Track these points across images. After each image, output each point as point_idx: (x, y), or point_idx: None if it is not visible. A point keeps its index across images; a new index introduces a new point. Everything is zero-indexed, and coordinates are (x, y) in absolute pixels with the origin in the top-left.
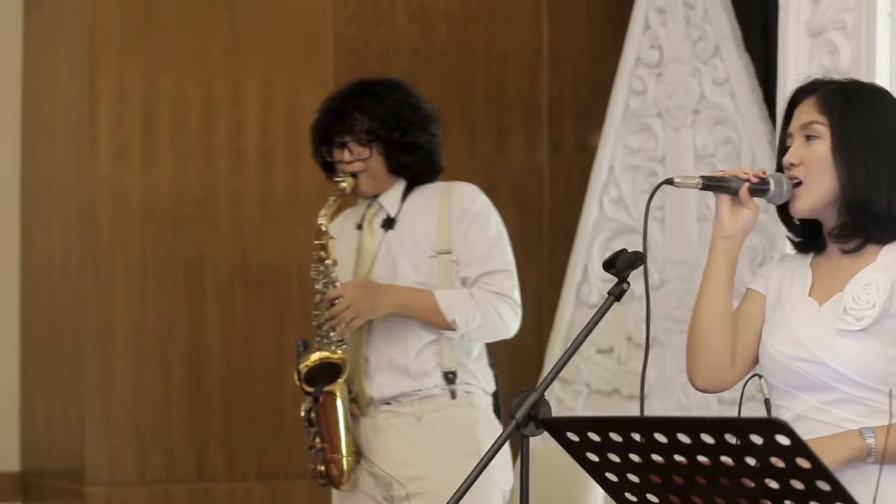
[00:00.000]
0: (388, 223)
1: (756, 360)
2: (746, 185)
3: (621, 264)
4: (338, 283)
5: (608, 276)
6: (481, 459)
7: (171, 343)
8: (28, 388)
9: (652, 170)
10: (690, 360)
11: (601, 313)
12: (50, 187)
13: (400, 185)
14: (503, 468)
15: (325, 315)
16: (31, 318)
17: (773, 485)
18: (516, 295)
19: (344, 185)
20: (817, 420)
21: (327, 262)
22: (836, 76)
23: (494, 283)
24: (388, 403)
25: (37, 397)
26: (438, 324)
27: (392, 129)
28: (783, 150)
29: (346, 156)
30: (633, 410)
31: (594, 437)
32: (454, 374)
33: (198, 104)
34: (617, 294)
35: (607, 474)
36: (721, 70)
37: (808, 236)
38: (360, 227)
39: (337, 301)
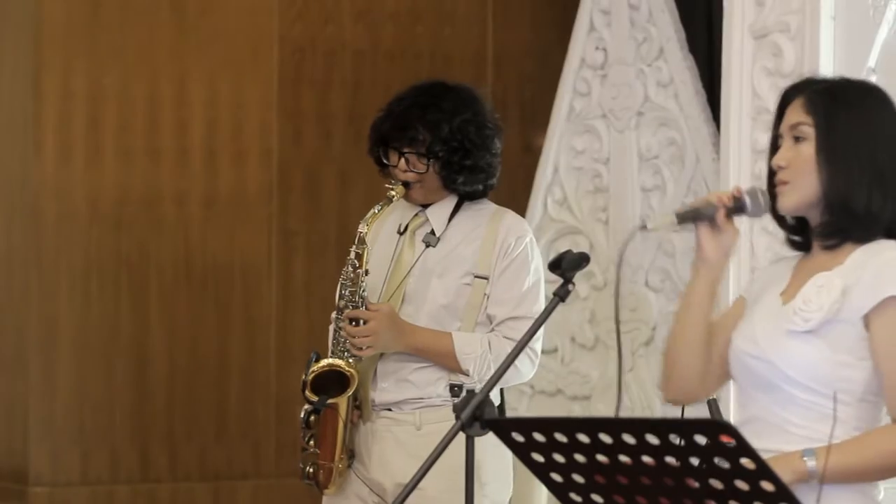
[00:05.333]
0: (431, 240)
1: (728, 374)
2: (722, 209)
3: (567, 265)
4: (365, 293)
5: (552, 276)
6: (424, 462)
7: (114, 343)
8: None
9: (596, 171)
10: (664, 376)
11: (546, 314)
12: None
13: (451, 201)
14: (499, 481)
15: (346, 330)
16: None
17: (718, 485)
18: (538, 346)
19: (393, 193)
20: (765, 420)
21: (359, 270)
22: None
23: (519, 330)
24: (389, 409)
25: None
26: (452, 369)
27: (454, 152)
28: (775, 149)
29: (403, 164)
30: (576, 411)
31: (539, 437)
32: (460, 387)
33: (143, 103)
34: (562, 295)
35: (552, 474)
36: (665, 72)
37: (803, 234)
38: (401, 232)
39: (361, 321)
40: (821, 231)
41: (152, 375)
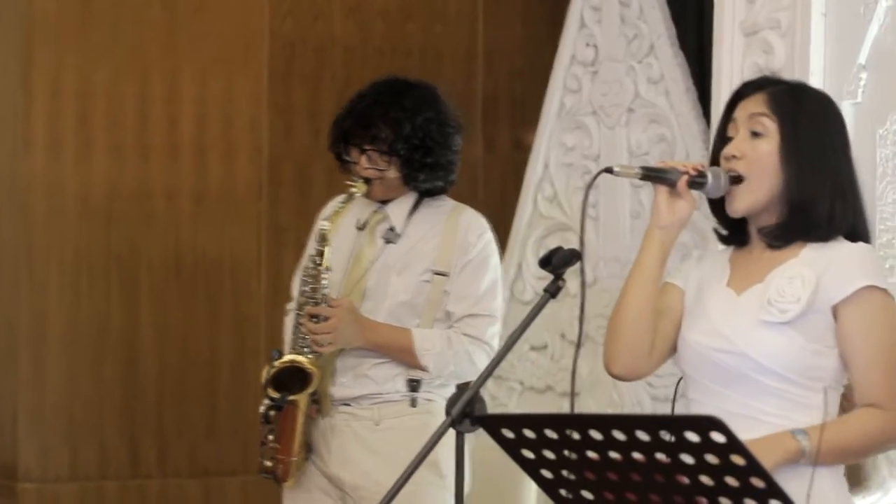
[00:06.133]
0: (391, 236)
1: (673, 351)
2: (685, 177)
3: (557, 262)
4: (326, 290)
5: (542, 273)
6: (418, 454)
7: (104, 339)
8: None
9: (586, 168)
10: (610, 346)
11: (537, 310)
12: None
13: (410, 198)
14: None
15: (307, 326)
16: None
17: (708, 481)
18: (495, 342)
19: (355, 190)
20: (736, 414)
21: (320, 267)
22: (780, 75)
23: (478, 327)
24: (348, 405)
25: None
26: (411, 365)
27: (415, 150)
28: (721, 141)
29: (364, 161)
30: (566, 408)
31: (529, 433)
32: (418, 382)
33: (133, 99)
34: (553, 291)
35: (542, 471)
36: (656, 68)
37: (734, 230)
38: (360, 228)
39: (322, 317)
40: (774, 231)
41: (142, 371)
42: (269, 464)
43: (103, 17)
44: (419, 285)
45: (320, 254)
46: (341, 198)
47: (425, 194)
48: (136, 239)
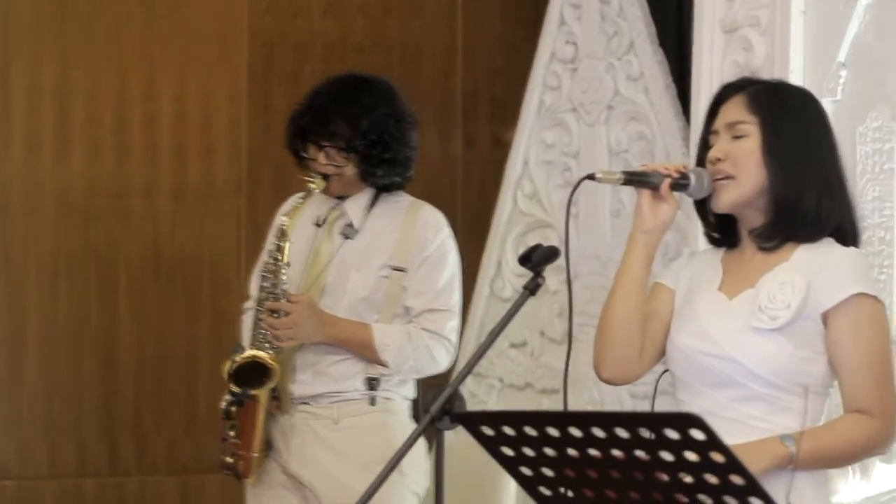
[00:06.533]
0: (349, 232)
1: (662, 354)
2: (668, 180)
3: (537, 259)
4: (285, 286)
5: (522, 270)
6: (395, 454)
7: (83, 336)
8: None
9: (566, 165)
10: (599, 351)
11: (516, 307)
12: None
13: (368, 193)
14: (418, 470)
15: (267, 321)
16: None
17: (688, 479)
18: (454, 337)
19: (314, 186)
20: (724, 417)
21: (280, 262)
22: (758, 73)
23: (436, 321)
24: (307, 403)
25: None
26: (371, 359)
27: (373, 145)
28: (705, 146)
29: (322, 158)
30: (545, 405)
31: (509, 431)
32: (377, 380)
33: (111, 97)
34: (532, 288)
35: (522, 468)
36: (635, 66)
37: (723, 231)
38: (318, 224)
39: (282, 312)
40: (763, 232)
41: (121, 369)
42: (230, 460)
43: (81, 15)
44: (377, 281)
45: (280, 249)
46: (300, 194)
47: (382, 190)
48: (114, 236)
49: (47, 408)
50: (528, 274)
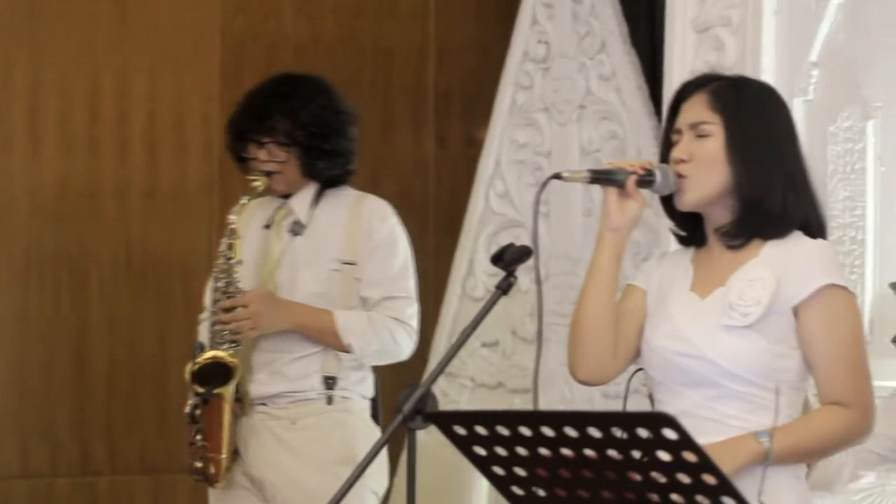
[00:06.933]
0: (297, 229)
1: (637, 354)
2: (633, 177)
3: (509, 258)
4: (239, 284)
5: (494, 269)
6: (366, 455)
7: (54, 336)
8: None
9: (538, 164)
10: (573, 352)
11: (489, 307)
12: None
13: (312, 188)
14: (378, 470)
15: (224, 318)
16: None
17: (660, 478)
18: (415, 322)
19: (258, 184)
20: (700, 416)
21: (232, 261)
22: (726, 72)
23: (395, 308)
24: (265, 404)
25: None
26: (334, 345)
27: (313, 136)
28: (668, 144)
29: (263, 155)
30: (517, 404)
31: (481, 430)
32: (334, 379)
33: (83, 95)
34: (504, 288)
35: (494, 468)
36: (607, 65)
37: (692, 229)
38: (267, 226)
39: (238, 307)
40: (729, 230)
41: (92, 368)
42: (199, 464)
43: (53, 12)
44: (329, 275)
45: (231, 247)
46: (244, 197)
47: (326, 185)
48: (86, 236)
49: (19, 408)
50: (501, 273)
